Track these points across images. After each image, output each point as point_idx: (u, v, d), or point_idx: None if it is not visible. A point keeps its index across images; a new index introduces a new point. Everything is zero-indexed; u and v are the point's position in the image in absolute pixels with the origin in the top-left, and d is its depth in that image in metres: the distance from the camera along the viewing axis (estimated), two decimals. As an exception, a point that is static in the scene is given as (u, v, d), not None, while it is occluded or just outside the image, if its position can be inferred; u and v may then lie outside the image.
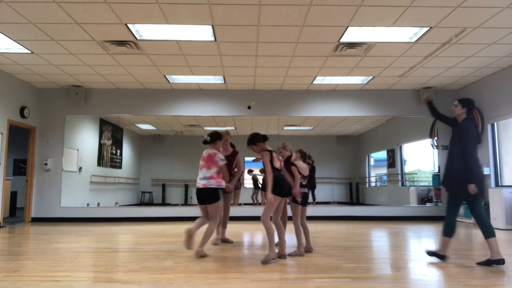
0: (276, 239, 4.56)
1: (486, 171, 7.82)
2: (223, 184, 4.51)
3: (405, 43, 6.15)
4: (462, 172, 4.00)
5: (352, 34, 5.77)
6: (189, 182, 11.36)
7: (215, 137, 4.65)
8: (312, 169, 4.83)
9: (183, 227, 7.45)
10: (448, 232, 4.13)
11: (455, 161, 4.11)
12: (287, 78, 8.03)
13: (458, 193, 4.08)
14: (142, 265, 3.99)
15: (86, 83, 8.46)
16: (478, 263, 4.03)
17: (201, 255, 4.37)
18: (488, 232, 3.97)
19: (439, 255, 4.22)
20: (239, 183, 6.22)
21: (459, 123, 4.24)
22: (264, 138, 4.38)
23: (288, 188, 4.36)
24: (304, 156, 4.79)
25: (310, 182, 4.78)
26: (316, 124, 10.28)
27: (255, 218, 8.02)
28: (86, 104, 8.84)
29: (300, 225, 4.58)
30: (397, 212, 8.80)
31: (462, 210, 8.39)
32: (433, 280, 3.43)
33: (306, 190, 4.68)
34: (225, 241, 5.54)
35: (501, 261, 3.89)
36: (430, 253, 4.33)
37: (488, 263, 3.94)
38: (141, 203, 11.49)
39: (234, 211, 8.74)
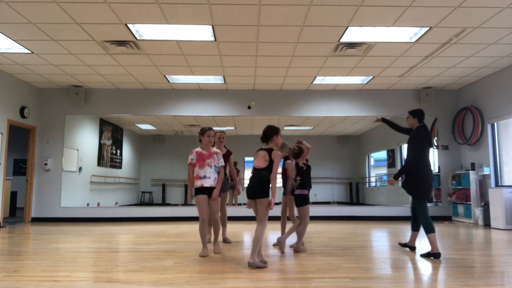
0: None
1: (486, 171, 7.82)
2: (196, 184, 4.45)
3: (405, 43, 6.15)
4: (401, 172, 4.58)
5: (352, 34, 5.77)
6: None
7: (199, 133, 4.59)
8: (308, 169, 4.83)
9: (183, 227, 7.45)
10: (429, 228, 4.38)
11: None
12: (287, 78, 8.03)
13: (410, 192, 4.53)
14: (142, 265, 3.99)
15: (86, 83, 8.46)
16: (422, 255, 4.45)
17: (201, 255, 4.44)
18: (426, 228, 4.37)
19: (434, 253, 4.35)
20: (233, 182, 6.08)
21: (413, 131, 4.68)
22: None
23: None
24: (293, 153, 4.77)
25: (304, 182, 4.77)
26: (316, 124, 10.27)
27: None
28: (86, 104, 8.84)
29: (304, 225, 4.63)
30: (397, 212, 8.80)
31: (462, 210, 8.39)
32: (433, 280, 3.43)
33: (303, 192, 4.69)
34: (224, 240, 5.55)
35: (437, 255, 4.31)
36: (424, 255, 4.45)
37: (428, 255, 4.38)
38: (141, 203, 11.49)
39: (234, 211, 8.74)
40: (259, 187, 3.90)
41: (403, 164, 4.61)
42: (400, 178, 4.64)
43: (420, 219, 4.47)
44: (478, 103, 8.28)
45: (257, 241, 3.85)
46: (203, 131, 4.57)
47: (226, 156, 5.40)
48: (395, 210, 8.88)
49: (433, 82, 8.41)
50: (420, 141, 4.49)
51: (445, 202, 8.85)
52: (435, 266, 3.98)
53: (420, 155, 4.45)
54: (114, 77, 7.99)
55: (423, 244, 5.42)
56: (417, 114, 4.68)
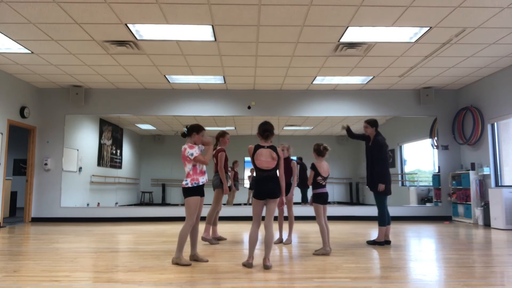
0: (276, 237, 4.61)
1: (486, 171, 7.82)
2: (201, 181, 4.09)
3: (405, 43, 6.15)
4: (377, 175, 5.20)
5: (352, 34, 5.77)
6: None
7: (191, 129, 4.15)
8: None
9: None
10: (382, 222, 5.18)
11: (373, 167, 5.26)
12: (287, 78, 8.03)
13: (375, 190, 5.23)
14: (142, 265, 3.99)
15: (86, 83, 8.46)
16: (368, 242, 5.32)
17: (176, 262, 4.04)
18: (381, 221, 5.19)
19: (378, 242, 5.19)
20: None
21: (372, 139, 5.36)
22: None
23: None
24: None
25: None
26: (316, 124, 10.27)
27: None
28: (86, 104, 8.84)
29: (323, 224, 4.66)
30: (397, 212, 8.79)
31: (462, 210, 8.39)
32: (433, 280, 3.43)
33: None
34: (218, 239, 5.67)
35: (382, 243, 5.18)
36: (370, 243, 5.27)
37: (373, 243, 5.23)
38: (141, 203, 11.49)
39: (235, 211, 8.75)
40: (277, 187, 3.95)
41: (373, 170, 5.27)
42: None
43: (378, 212, 5.23)
44: (478, 103, 8.28)
45: (272, 242, 3.92)
46: (200, 130, 4.20)
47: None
48: (395, 210, 8.87)
49: (433, 82, 8.41)
50: (382, 147, 5.24)
51: (445, 202, 8.85)
52: (435, 266, 3.99)
53: (385, 159, 5.24)
54: (114, 77, 7.99)
55: (422, 244, 5.42)
56: (375, 124, 5.41)
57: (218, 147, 5.55)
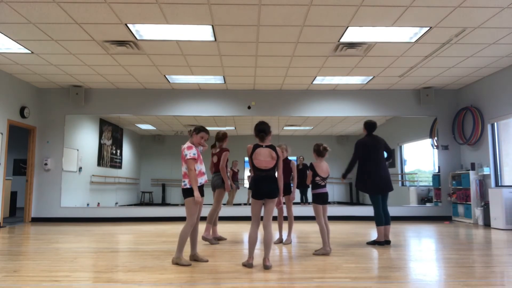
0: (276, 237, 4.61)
1: (486, 171, 7.81)
2: (200, 181, 4.06)
3: (405, 43, 6.15)
4: (360, 174, 5.30)
5: (352, 34, 5.77)
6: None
7: (194, 129, 4.19)
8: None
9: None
10: (378, 221, 5.19)
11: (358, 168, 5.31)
12: (287, 78, 8.03)
13: (359, 189, 5.36)
14: (142, 265, 3.99)
15: (86, 83, 8.46)
16: (368, 243, 5.30)
17: (175, 263, 4.04)
18: (376, 221, 5.20)
19: (378, 242, 5.20)
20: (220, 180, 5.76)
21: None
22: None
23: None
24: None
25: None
26: (316, 124, 10.27)
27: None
28: (86, 104, 8.84)
29: (323, 224, 4.65)
30: (397, 212, 8.79)
31: (462, 210, 8.39)
32: (433, 280, 3.43)
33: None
34: (218, 239, 5.67)
35: (382, 243, 5.17)
36: (370, 243, 5.27)
37: (374, 243, 5.23)
38: (141, 203, 11.49)
39: (235, 211, 8.74)
40: (276, 188, 3.93)
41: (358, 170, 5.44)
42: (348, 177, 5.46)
43: (373, 212, 5.25)
44: (478, 103, 8.28)
45: (271, 242, 3.91)
46: (199, 131, 4.20)
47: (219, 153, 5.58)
48: (395, 210, 8.86)
49: (433, 82, 8.41)
50: (356, 147, 5.31)
51: (445, 202, 8.85)
52: (435, 266, 3.99)
53: (362, 159, 5.25)
54: (114, 77, 7.99)
55: (422, 244, 5.42)
56: (366, 126, 5.44)
57: (224, 147, 5.58)
